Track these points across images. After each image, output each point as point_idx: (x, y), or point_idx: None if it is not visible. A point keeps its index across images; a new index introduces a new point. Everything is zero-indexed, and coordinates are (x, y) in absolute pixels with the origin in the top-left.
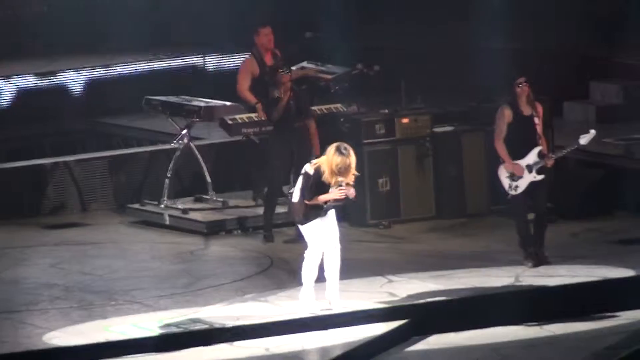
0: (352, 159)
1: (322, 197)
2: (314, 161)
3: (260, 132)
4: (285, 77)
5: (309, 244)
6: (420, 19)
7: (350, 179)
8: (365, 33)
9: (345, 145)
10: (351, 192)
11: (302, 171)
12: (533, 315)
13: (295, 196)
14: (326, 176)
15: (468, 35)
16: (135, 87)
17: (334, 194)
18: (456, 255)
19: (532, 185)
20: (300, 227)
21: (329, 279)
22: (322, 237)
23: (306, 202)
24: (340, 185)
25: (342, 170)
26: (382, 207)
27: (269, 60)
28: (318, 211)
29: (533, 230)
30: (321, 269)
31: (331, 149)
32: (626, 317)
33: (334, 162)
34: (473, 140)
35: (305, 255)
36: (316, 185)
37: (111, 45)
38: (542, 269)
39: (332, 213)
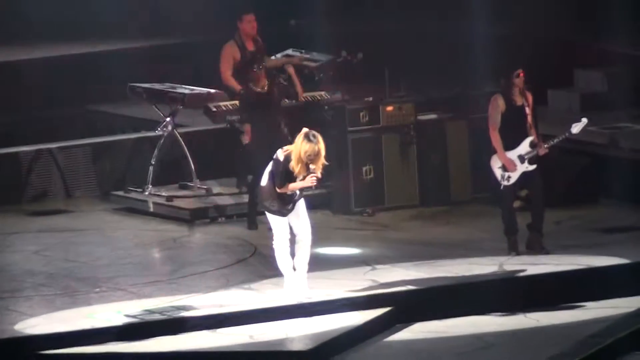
0: (322, 146)
1: (292, 186)
2: (285, 147)
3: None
4: (260, 75)
5: (274, 233)
6: (403, 5)
7: (319, 167)
8: (348, 21)
9: (314, 132)
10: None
11: (274, 156)
12: (517, 303)
13: (264, 180)
14: (292, 164)
15: (450, 21)
16: (119, 74)
17: (306, 181)
18: (440, 243)
19: (525, 175)
20: (267, 214)
21: (297, 269)
22: (286, 225)
23: (277, 189)
24: (313, 173)
25: (312, 158)
26: (366, 195)
27: (250, 46)
28: (285, 200)
29: (531, 219)
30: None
31: (300, 136)
32: (610, 305)
33: (302, 149)
34: (457, 128)
35: (273, 246)
36: (286, 172)
37: (96, 30)
38: (525, 258)
39: (301, 202)
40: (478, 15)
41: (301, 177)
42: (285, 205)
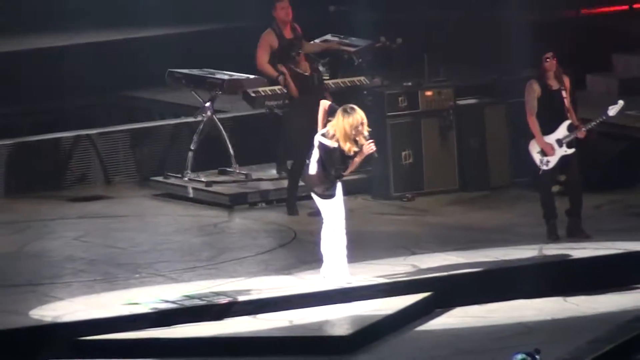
0: (361, 113)
1: (357, 160)
2: (323, 131)
3: (283, 104)
4: (299, 59)
5: (327, 219)
6: None
7: (365, 132)
8: (388, 5)
9: (349, 105)
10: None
11: (316, 143)
12: (557, 287)
13: (313, 168)
14: (342, 146)
15: (489, 7)
16: (158, 60)
17: (365, 150)
18: (479, 227)
19: (563, 159)
20: (323, 200)
21: (337, 254)
22: (338, 209)
23: (344, 174)
24: (368, 139)
25: (358, 129)
26: (405, 180)
27: (288, 34)
28: (335, 182)
29: (570, 204)
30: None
31: (338, 115)
32: None
33: (346, 124)
34: (496, 113)
35: (323, 231)
36: (342, 156)
37: (134, 17)
38: (565, 242)
39: (340, 189)
40: (517, 1)
41: (352, 153)
42: (335, 187)
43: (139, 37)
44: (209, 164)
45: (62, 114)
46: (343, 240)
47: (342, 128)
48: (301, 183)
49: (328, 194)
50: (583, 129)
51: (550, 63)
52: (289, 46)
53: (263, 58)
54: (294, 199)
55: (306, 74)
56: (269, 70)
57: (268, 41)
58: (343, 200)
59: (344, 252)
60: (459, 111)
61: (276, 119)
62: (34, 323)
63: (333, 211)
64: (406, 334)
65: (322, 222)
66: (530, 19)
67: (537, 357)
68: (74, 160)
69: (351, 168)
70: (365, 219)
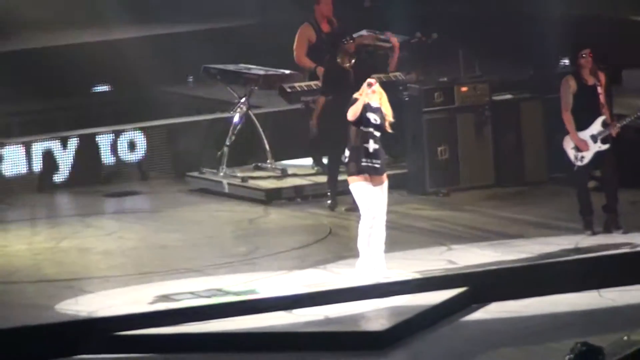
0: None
1: (356, 105)
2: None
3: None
4: (351, 46)
5: (362, 209)
6: None
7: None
8: (422, 2)
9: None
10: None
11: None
12: (593, 282)
13: (347, 153)
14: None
15: (526, 2)
16: (194, 55)
17: (361, 90)
18: (515, 223)
19: (598, 155)
20: (352, 187)
21: (375, 249)
22: (375, 201)
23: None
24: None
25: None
26: (441, 175)
27: (325, 27)
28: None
29: (606, 199)
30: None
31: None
32: None
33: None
34: (532, 108)
35: (359, 225)
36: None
37: (168, 13)
38: (601, 237)
39: (386, 183)
40: None
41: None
42: (372, 159)
43: (176, 31)
44: (245, 160)
45: (98, 109)
46: (382, 235)
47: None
48: (340, 177)
49: (361, 165)
50: (617, 125)
51: (586, 59)
52: (342, 33)
53: (301, 52)
54: (335, 193)
55: (345, 66)
56: (307, 62)
57: (306, 35)
58: (385, 196)
59: (382, 247)
60: (494, 107)
61: (312, 113)
62: (69, 318)
63: (362, 201)
64: (442, 329)
65: (360, 217)
66: (568, 13)
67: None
68: (110, 156)
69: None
70: (401, 214)
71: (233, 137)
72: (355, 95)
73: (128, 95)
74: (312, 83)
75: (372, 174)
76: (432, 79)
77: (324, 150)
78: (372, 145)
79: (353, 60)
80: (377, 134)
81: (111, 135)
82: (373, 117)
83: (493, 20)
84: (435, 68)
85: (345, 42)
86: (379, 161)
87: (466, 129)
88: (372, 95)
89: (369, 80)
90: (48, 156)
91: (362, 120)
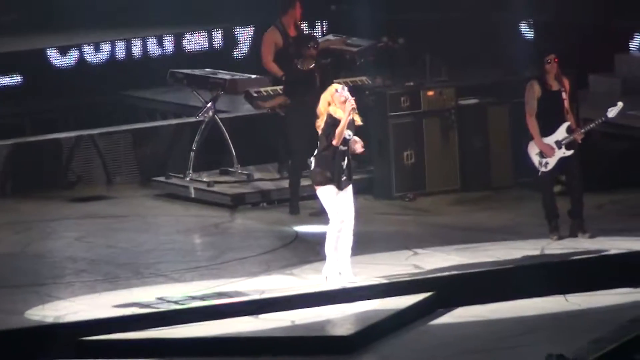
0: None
1: (340, 127)
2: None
3: (284, 104)
4: (314, 51)
5: (330, 214)
6: None
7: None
8: (390, 5)
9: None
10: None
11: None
12: (559, 287)
13: (314, 160)
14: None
15: (491, 8)
16: (159, 60)
17: (346, 109)
18: (481, 228)
19: (562, 160)
20: (319, 193)
21: (341, 254)
22: (342, 206)
23: (333, 143)
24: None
25: (343, 91)
26: (407, 180)
27: (292, 32)
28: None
29: (571, 204)
30: None
31: (322, 98)
32: None
33: (330, 93)
34: (498, 113)
35: (327, 230)
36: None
37: (134, 18)
38: (567, 242)
39: (350, 187)
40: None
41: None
42: (340, 172)
43: (140, 36)
44: (211, 164)
45: (64, 114)
46: (348, 240)
47: (329, 102)
48: (303, 183)
49: (327, 177)
50: (582, 130)
51: (552, 65)
52: (307, 38)
53: (268, 57)
54: (297, 198)
55: (309, 70)
56: (274, 68)
57: (272, 39)
58: (352, 201)
59: (349, 251)
60: (461, 111)
61: (278, 118)
62: (36, 323)
63: (329, 206)
64: (408, 334)
65: (326, 222)
66: (533, 19)
67: None
68: (76, 161)
69: (339, 134)
70: (367, 218)
71: (199, 142)
72: (336, 115)
73: (94, 100)
74: (278, 88)
75: (345, 186)
76: (398, 83)
77: (289, 155)
78: (346, 162)
79: (313, 65)
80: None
81: (76, 140)
82: (347, 133)
83: (459, 25)
84: (402, 72)
85: (309, 47)
86: (350, 174)
87: (432, 133)
88: (347, 107)
89: (342, 94)
90: (12, 161)
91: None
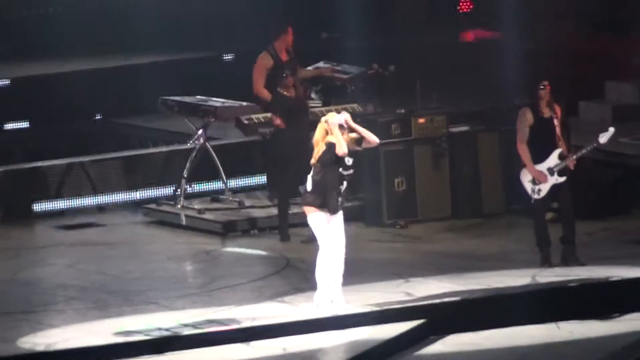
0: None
1: (339, 144)
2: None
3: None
4: (291, 79)
5: (320, 242)
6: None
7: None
8: (381, 32)
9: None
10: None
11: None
12: (550, 315)
13: (308, 184)
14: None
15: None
16: (150, 87)
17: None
18: (473, 255)
19: (555, 187)
20: (310, 219)
21: (332, 281)
22: (332, 233)
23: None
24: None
25: (337, 117)
26: (398, 207)
27: (284, 57)
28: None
29: (563, 231)
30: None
31: (318, 129)
32: None
33: (324, 127)
34: (489, 140)
35: (318, 257)
36: (330, 153)
37: (125, 45)
38: (558, 269)
39: (340, 215)
40: (510, 30)
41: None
42: (334, 198)
43: (131, 64)
44: (202, 192)
45: (54, 141)
46: (340, 267)
47: (325, 133)
48: (293, 210)
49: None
50: (573, 157)
51: (545, 91)
52: (282, 65)
53: (259, 82)
54: (286, 225)
55: (292, 97)
56: (265, 94)
57: (264, 64)
58: (342, 228)
59: (340, 279)
60: (452, 138)
61: (267, 145)
62: (27, 351)
63: (320, 234)
64: None
65: (317, 249)
66: (525, 46)
67: None
68: (66, 188)
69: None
70: (358, 246)
71: (190, 169)
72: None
73: (84, 127)
74: (269, 115)
75: (337, 211)
76: (389, 110)
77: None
78: (344, 186)
79: (294, 93)
80: (350, 172)
81: (67, 167)
82: (347, 159)
83: (450, 52)
84: (393, 100)
85: (285, 76)
86: (344, 200)
87: (423, 160)
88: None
89: (338, 121)
90: (1, 188)
91: (341, 162)
